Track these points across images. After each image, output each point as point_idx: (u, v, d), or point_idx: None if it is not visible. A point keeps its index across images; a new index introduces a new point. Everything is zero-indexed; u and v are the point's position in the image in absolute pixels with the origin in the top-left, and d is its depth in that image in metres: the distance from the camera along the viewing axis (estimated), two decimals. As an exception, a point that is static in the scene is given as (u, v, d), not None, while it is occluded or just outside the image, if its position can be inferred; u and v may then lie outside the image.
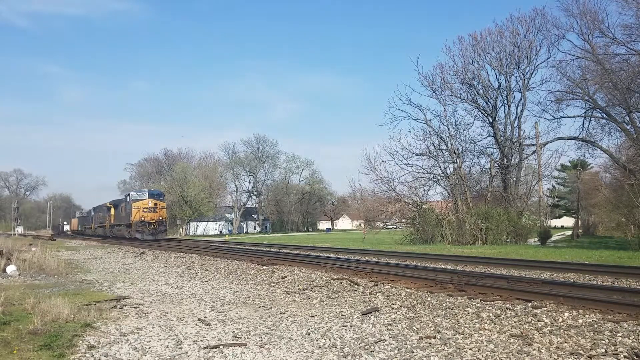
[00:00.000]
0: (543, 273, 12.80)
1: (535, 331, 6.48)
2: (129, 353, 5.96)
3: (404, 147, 33.06)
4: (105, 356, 5.80)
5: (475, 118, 33.83)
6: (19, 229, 70.54)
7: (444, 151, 33.28)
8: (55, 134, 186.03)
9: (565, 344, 5.87)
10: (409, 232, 32.54)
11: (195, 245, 28.44)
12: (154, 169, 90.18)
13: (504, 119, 32.97)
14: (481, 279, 10.96)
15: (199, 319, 7.88)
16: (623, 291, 8.95)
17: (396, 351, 5.86)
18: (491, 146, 34.01)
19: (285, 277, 12.98)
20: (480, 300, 8.54)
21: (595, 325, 6.54)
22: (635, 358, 5.28)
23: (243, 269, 15.16)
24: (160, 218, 38.23)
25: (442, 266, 14.94)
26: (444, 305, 8.42)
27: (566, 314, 7.14)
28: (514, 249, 23.09)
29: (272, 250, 24.91)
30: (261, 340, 6.51)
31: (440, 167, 33.55)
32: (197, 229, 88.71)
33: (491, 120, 33.24)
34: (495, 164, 33.74)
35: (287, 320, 7.80)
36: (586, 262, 15.27)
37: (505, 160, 32.84)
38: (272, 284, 12.17)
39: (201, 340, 6.51)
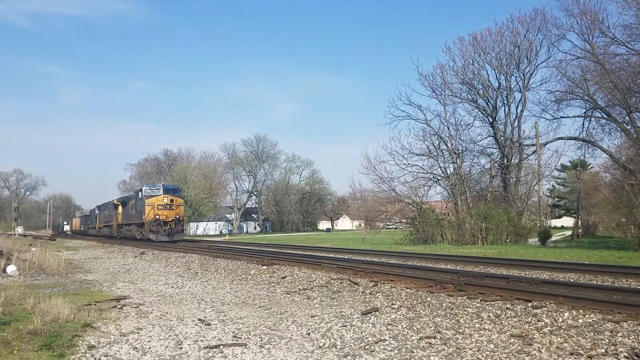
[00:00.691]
0: (543, 273, 12.81)
1: (536, 331, 6.48)
2: (129, 353, 5.96)
3: (404, 147, 33.17)
4: (105, 356, 5.80)
5: (475, 118, 33.94)
6: (19, 229, 70.59)
7: (444, 151, 33.34)
8: (56, 134, 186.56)
9: (566, 344, 5.86)
10: (409, 232, 32.56)
11: (195, 245, 28.43)
12: (154, 169, 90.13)
13: (504, 119, 33.05)
14: (481, 279, 10.95)
15: (199, 319, 7.88)
16: (623, 291, 8.94)
17: (396, 351, 5.86)
18: (491, 146, 34.10)
19: (285, 277, 12.98)
20: (480, 300, 8.54)
21: (596, 325, 6.53)
22: (635, 358, 5.27)
23: (243, 269, 15.16)
24: (177, 216, 33.64)
25: (442, 266, 14.94)
26: (444, 305, 8.41)
27: (566, 314, 7.14)
28: (514, 249, 23.10)
29: (272, 250, 24.93)
30: (261, 340, 6.51)
31: (440, 167, 33.64)
32: (197, 229, 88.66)
33: (491, 120, 33.25)
34: (495, 164, 33.74)
35: (287, 320, 7.80)
36: (586, 262, 15.28)
37: (505, 160, 32.84)
38: (272, 284, 12.17)
39: (201, 340, 6.51)
